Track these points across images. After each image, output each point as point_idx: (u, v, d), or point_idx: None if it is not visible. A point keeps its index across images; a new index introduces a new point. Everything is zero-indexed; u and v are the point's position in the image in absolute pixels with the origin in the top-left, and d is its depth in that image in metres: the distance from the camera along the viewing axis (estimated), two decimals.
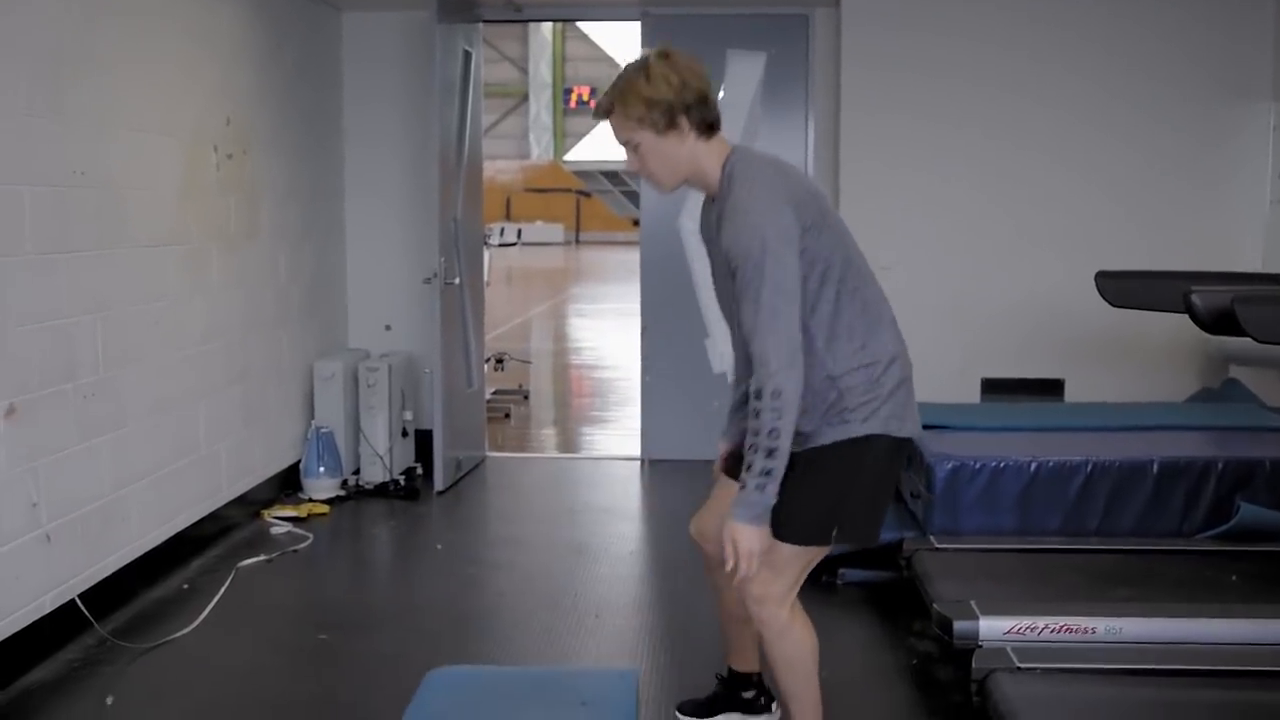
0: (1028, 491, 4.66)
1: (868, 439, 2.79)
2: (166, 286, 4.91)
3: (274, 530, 5.59)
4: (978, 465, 4.67)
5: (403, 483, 6.36)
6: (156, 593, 4.69)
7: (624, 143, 2.78)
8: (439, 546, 5.48)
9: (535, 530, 5.81)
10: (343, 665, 4.01)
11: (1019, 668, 3.36)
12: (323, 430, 6.18)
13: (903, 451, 2.88)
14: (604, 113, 2.77)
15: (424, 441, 6.55)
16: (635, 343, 7.32)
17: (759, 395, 2.60)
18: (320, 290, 6.60)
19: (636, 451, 7.21)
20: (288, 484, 6.16)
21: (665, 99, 2.72)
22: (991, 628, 3.64)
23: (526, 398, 9.61)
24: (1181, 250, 6.16)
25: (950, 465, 4.67)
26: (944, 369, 6.42)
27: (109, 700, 3.70)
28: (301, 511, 5.82)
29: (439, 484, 6.29)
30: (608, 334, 14.77)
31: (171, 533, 4.94)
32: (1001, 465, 4.67)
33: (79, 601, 4.17)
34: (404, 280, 6.83)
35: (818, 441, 2.78)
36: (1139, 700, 3.23)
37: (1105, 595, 3.93)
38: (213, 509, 5.34)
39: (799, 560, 2.86)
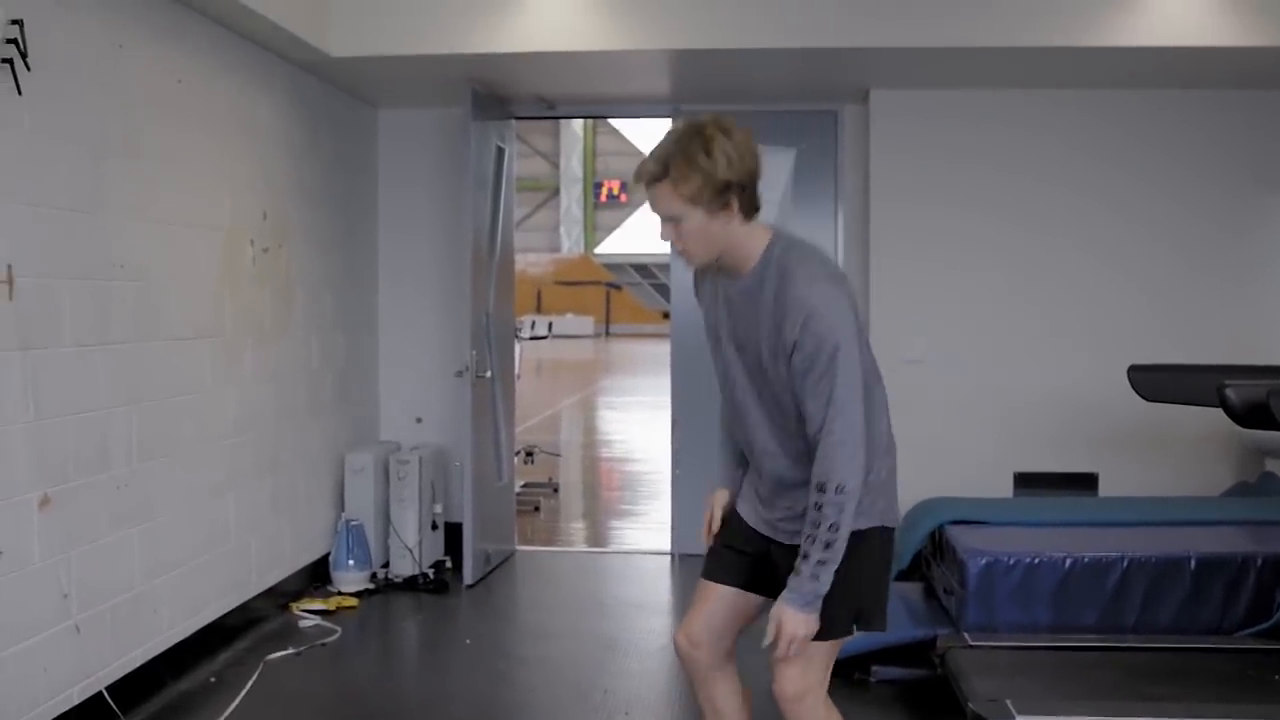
0: (1063, 587, 4.62)
1: (879, 529, 2.82)
2: (200, 378, 4.96)
3: (302, 623, 5.58)
4: (1011, 560, 4.63)
5: (432, 576, 6.34)
6: (184, 685, 4.68)
7: (664, 215, 2.61)
8: (468, 641, 5.45)
9: (565, 624, 5.78)
10: None
11: None
12: (353, 523, 6.19)
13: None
14: (651, 180, 2.58)
15: (454, 534, 6.54)
16: (665, 436, 7.32)
17: (822, 489, 2.60)
18: (352, 381, 6.66)
19: (666, 545, 7.17)
20: (317, 576, 6.15)
21: (724, 178, 2.57)
22: None
23: (556, 491, 9.60)
24: (1214, 343, 6.14)
25: (984, 560, 4.63)
26: (976, 462, 6.40)
27: None
28: (330, 604, 5.81)
29: (468, 577, 6.27)
30: (637, 427, 14.78)
31: (200, 624, 4.94)
32: (1036, 560, 4.63)
33: (106, 694, 4.16)
34: (436, 372, 6.88)
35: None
36: None
37: (1143, 694, 3.87)
38: (241, 600, 5.34)
39: (831, 652, 2.85)
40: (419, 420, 6.97)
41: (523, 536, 7.61)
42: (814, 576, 2.63)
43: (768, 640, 2.70)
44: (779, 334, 2.63)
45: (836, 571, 2.72)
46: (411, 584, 6.28)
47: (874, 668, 4.68)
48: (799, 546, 2.68)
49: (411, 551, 6.33)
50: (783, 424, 2.77)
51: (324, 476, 6.27)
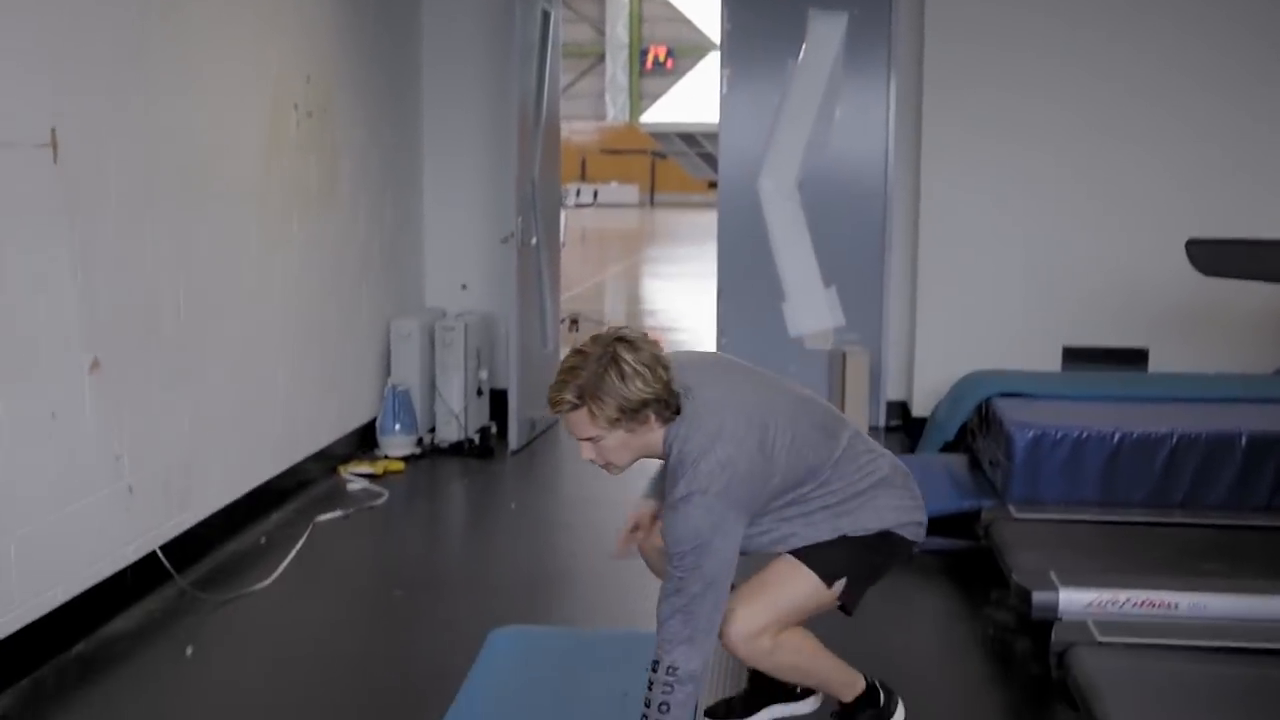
0: (1111, 462, 4.57)
1: (901, 538, 2.94)
2: (247, 245, 4.93)
3: (350, 486, 5.63)
4: (1059, 434, 4.58)
5: (477, 441, 6.37)
6: (235, 546, 4.74)
7: (582, 437, 2.60)
8: (513, 505, 5.49)
9: (609, 490, 5.76)
10: (415, 622, 4.02)
11: (1100, 641, 3.29)
12: (399, 389, 6.20)
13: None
14: (569, 409, 2.55)
15: (499, 401, 6.56)
16: (710, 306, 7.26)
17: (655, 667, 2.57)
18: (398, 249, 6.62)
19: None
20: (364, 441, 6.19)
21: (642, 398, 2.54)
22: (1072, 600, 3.57)
23: None
24: (1266, 225, 5.98)
25: (1031, 434, 4.59)
26: (1025, 336, 6.32)
27: (189, 650, 3.75)
28: (377, 469, 5.85)
29: (513, 443, 6.29)
30: (682, 297, 14.71)
31: (250, 487, 4.99)
32: (1084, 435, 4.57)
33: (160, 553, 4.22)
34: (481, 240, 6.83)
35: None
36: (1223, 677, 3.15)
37: (1190, 570, 3.83)
38: (291, 464, 5.38)
39: (802, 607, 2.82)
40: (464, 287, 6.94)
41: None
42: None
43: None
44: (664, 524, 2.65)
45: (856, 540, 2.77)
46: (457, 449, 6.32)
47: None
48: None
49: (457, 417, 6.35)
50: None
51: (371, 343, 6.27)
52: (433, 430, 6.44)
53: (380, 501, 5.39)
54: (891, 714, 3.01)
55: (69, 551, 3.77)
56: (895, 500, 2.88)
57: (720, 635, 2.68)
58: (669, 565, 2.57)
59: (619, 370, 2.51)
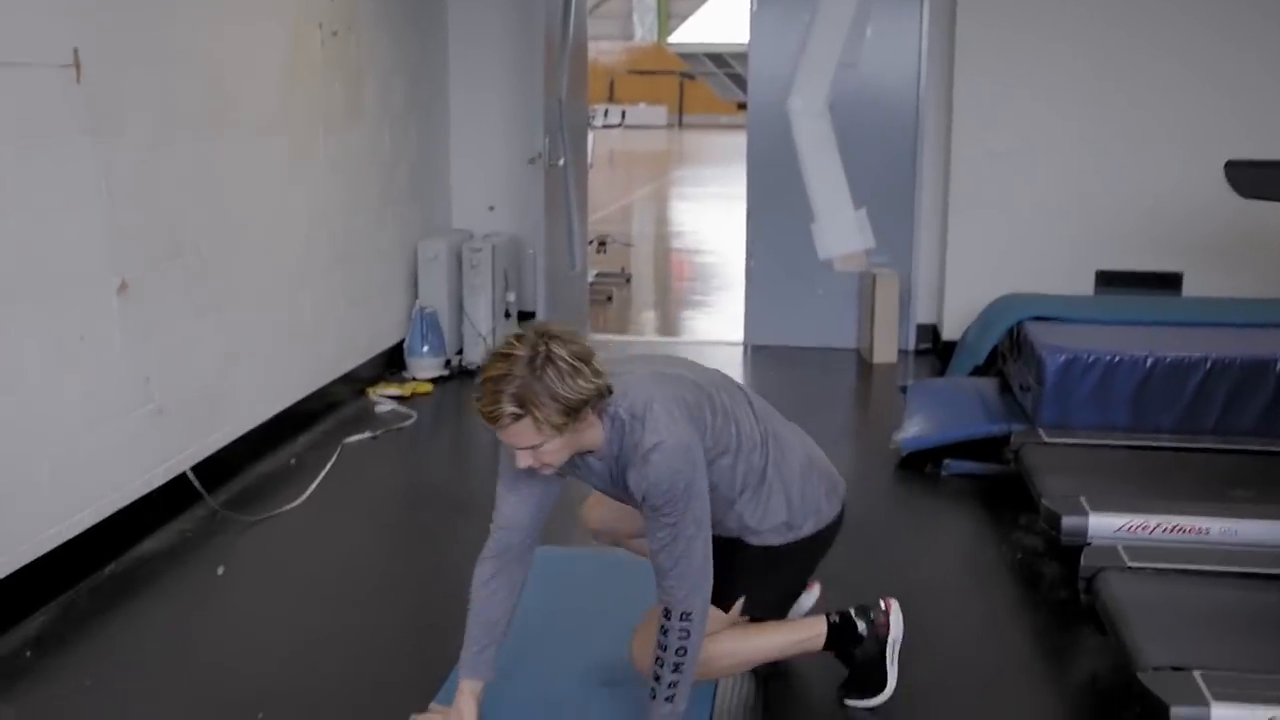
0: (1143, 387, 4.52)
1: (810, 537, 2.87)
2: (272, 168, 4.89)
3: (379, 408, 5.64)
4: (1091, 359, 4.53)
5: None
6: (265, 467, 4.76)
7: (522, 446, 2.40)
8: None
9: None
10: (444, 543, 4.03)
11: (1129, 566, 3.27)
12: (426, 311, 6.18)
13: None
14: (511, 421, 2.34)
15: (526, 322, 6.53)
16: (739, 227, 7.20)
17: (668, 616, 2.55)
18: (424, 171, 6.56)
19: (739, 336, 7.14)
20: (392, 363, 6.19)
21: (583, 396, 2.36)
22: (1101, 525, 3.55)
23: (628, 281, 9.55)
24: None
25: (1062, 358, 4.54)
26: (1057, 259, 6.24)
27: (220, 570, 3.78)
28: (405, 390, 5.86)
29: None
30: (711, 218, 14.61)
31: (279, 409, 5.00)
32: (1116, 359, 4.52)
33: (190, 474, 4.24)
34: (508, 161, 6.77)
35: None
36: (1253, 604, 3.12)
37: (1221, 496, 3.80)
38: (319, 386, 5.39)
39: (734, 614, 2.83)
40: (491, 209, 6.89)
41: (595, 325, 7.60)
42: (669, 699, 2.58)
43: None
44: (628, 487, 2.53)
45: (771, 567, 2.73)
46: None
47: (946, 462, 4.65)
48: None
49: (484, 339, 6.34)
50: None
51: (398, 265, 6.25)
52: (460, 352, 6.43)
53: (408, 423, 5.40)
54: (883, 623, 2.93)
55: (100, 473, 3.79)
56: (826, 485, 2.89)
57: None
58: (655, 520, 2.51)
59: (556, 369, 2.33)
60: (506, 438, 2.38)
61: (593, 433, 2.48)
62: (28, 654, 3.21)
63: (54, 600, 3.51)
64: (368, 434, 5.20)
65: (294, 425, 5.13)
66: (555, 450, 2.42)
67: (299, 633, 3.36)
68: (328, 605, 3.57)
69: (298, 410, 5.17)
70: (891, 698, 2.95)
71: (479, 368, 2.34)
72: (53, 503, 3.56)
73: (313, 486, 4.49)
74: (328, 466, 4.73)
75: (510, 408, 2.32)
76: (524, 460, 2.42)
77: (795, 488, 2.77)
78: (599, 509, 3.10)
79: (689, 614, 2.54)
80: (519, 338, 2.37)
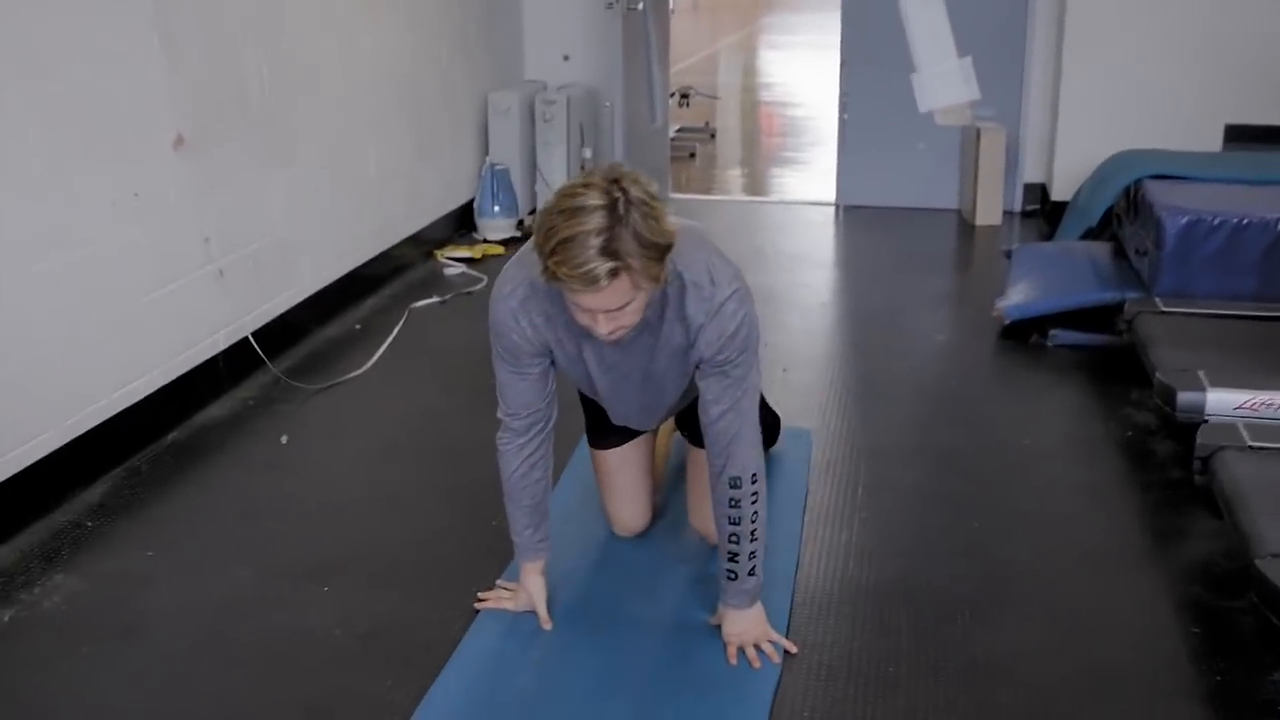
0: (1271, 253, 4.37)
1: None
2: (336, 16, 4.84)
3: (447, 271, 5.65)
4: (1215, 221, 4.38)
5: None
6: (329, 332, 4.80)
7: (609, 308, 2.25)
8: None
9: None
10: None
11: (1250, 446, 3.19)
12: (498, 168, 6.15)
13: None
14: (609, 278, 2.16)
15: (588, 168, 6.48)
16: (832, 78, 7.05)
17: (737, 484, 2.52)
18: (495, 18, 6.47)
19: (831, 196, 7.04)
20: (462, 224, 6.19)
21: (670, 239, 2.24)
22: (1220, 401, 3.47)
23: (713, 136, 9.44)
24: None
25: (1184, 220, 4.40)
26: (1181, 113, 6.04)
27: (284, 439, 3.83)
28: (475, 252, 5.86)
29: None
30: (802, 69, 14.33)
31: (344, 271, 5.03)
32: (1243, 222, 4.37)
33: (252, 339, 4.28)
34: (584, 6, 6.65)
35: None
36: None
37: None
38: (385, 248, 5.41)
39: None
40: (566, 58, 6.79)
41: (676, 184, 7.54)
42: (751, 572, 2.58)
43: (731, 659, 2.58)
44: (703, 340, 2.44)
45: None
46: None
47: (1053, 332, 4.57)
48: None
49: None
50: (657, 400, 2.74)
51: (468, 120, 6.20)
52: (533, 212, 6.40)
53: (478, 287, 5.40)
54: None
55: (159, 337, 3.84)
56: None
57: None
58: (719, 380, 2.49)
59: (640, 212, 2.16)
60: (596, 300, 2.22)
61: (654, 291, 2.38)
62: (89, 524, 3.29)
63: (116, 468, 3.59)
64: (436, 298, 5.22)
65: (360, 289, 5.16)
66: (637, 309, 2.31)
67: (366, 502, 3.41)
68: (395, 473, 3.61)
69: (363, 273, 5.19)
70: (993, 575, 2.95)
71: (542, 226, 2.21)
72: (112, 367, 3.62)
73: (379, 353, 4.53)
74: (394, 332, 4.76)
75: (606, 264, 2.14)
76: (603, 326, 2.30)
77: None
78: (630, 501, 3.08)
79: (756, 475, 2.55)
80: (585, 185, 2.19)
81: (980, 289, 5.32)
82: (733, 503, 2.55)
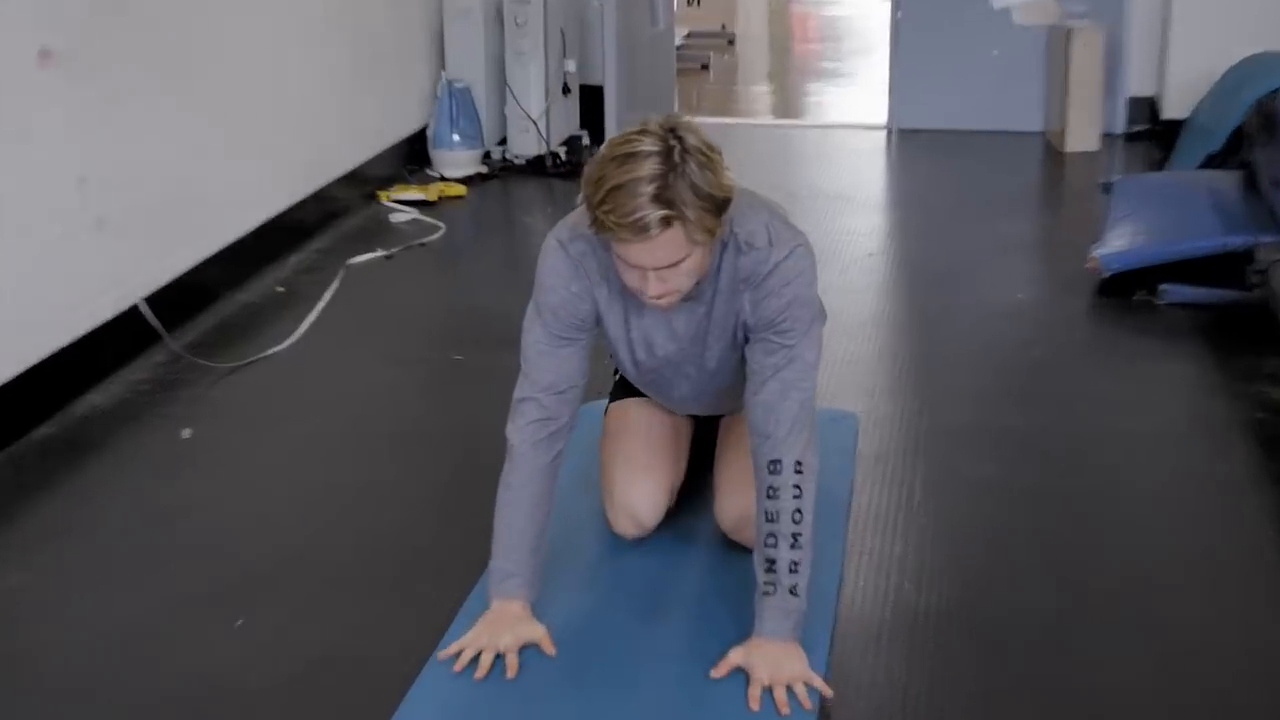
0: None
1: None
2: None
3: (395, 218, 5.65)
4: None
5: (564, 157, 6.35)
6: (244, 297, 4.80)
7: (661, 264, 2.47)
8: None
9: None
10: (478, 391, 4.03)
11: None
12: (457, 85, 6.14)
13: None
14: (660, 227, 2.40)
15: (592, 100, 6.49)
16: None
17: (777, 468, 2.60)
18: None
19: (881, 118, 7.05)
20: (413, 157, 6.20)
21: (729, 193, 2.48)
22: None
23: (732, 43, 9.43)
24: None
25: None
26: None
27: (185, 433, 3.83)
28: (430, 194, 5.86)
29: None
30: None
31: (262, 219, 5.03)
32: None
33: (144, 306, 4.28)
34: None
35: None
36: None
37: None
38: (314, 189, 5.42)
39: None
40: None
41: (685, 103, 7.53)
42: (793, 590, 2.58)
43: (753, 704, 2.54)
44: (769, 306, 2.63)
45: None
46: (537, 167, 6.30)
47: (1163, 287, 4.58)
48: None
49: (536, 124, 6.29)
50: (708, 384, 2.88)
51: (418, 25, 6.20)
52: (503, 142, 6.41)
53: (435, 238, 5.40)
54: None
55: (23, 305, 3.82)
56: None
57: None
58: (770, 348, 2.61)
59: (697, 160, 2.42)
60: (647, 252, 2.44)
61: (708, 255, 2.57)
62: None
63: None
64: (380, 253, 5.22)
65: (282, 241, 5.16)
66: (691, 269, 2.51)
67: (292, 511, 3.41)
68: (330, 474, 3.62)
69: (287, 221, 5.20)
70: (1085, 595, 2.96)
71: (591, 176, 2.42)
72: None
73: (308, 322, 4.53)
74: (328, 295, 4.76)
75: (658, 211, 2.37)
76: (654, 287, 2.49)
77: None
78: (646, 475, 3.07)
79: (802, 465, 2.60)
80: (640, 132, 2.44)
81: (1071, 234, 5.31)
82: (770, 492, 2.60)
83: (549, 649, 2.65)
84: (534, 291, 2.74)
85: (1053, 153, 6.57)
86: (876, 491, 3.42)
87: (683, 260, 2.46)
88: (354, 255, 5.16)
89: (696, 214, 2.40)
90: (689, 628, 2.82)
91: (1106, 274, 4.68)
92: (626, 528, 3.05)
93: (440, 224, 5.52)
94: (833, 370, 4.10)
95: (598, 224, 2.43)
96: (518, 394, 2.72)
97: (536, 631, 2.66)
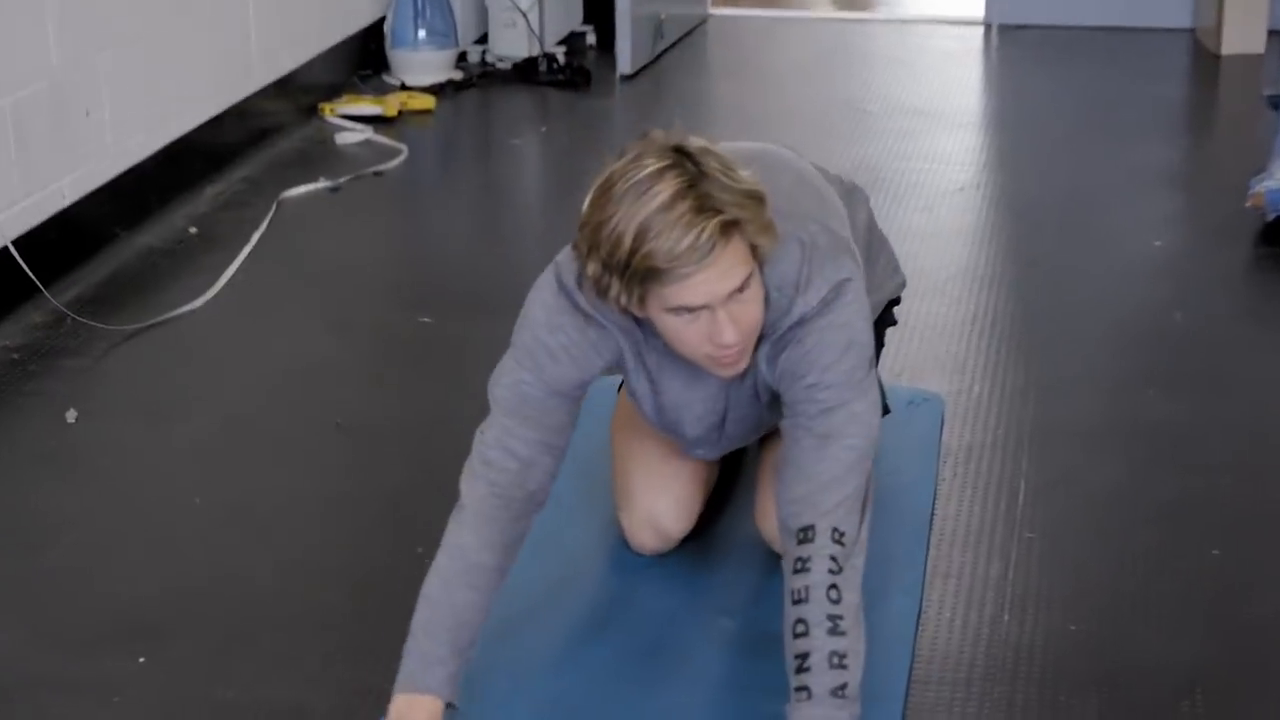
0: None
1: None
2: None
3: (342, 139, 5.66)
4: None
5: (562, 60, 6.34)
6: (145, 240, 4.81)
7: (728, 292, 2.48)
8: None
9: (792, 144, 5.74)
10: (451, 367, 4.05)
11: None
12: None
13: None
14: (721, 237, 2.43)
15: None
16: None
17: (807, 535, 2.56)
18: None
19: (978, 10, 7.05)
20: (365, 61, 6.21)
21: (758, 186, 2.51)
22: None
23: None
24: None
25: None
26: None
27: (70, 416, 3.83)
28: (388, 107, 5.87)
29: (625, 65, 6.31)
30: None
31: (168, 139, 5.03)
32: None
33: (14, 252, 4.28)
34: None
35: None
36: None
37: None
38: (236, 100, 5.42)
39: None
40: None
41: None
42: (836, 691, 2.48)
43: None
44: (763, 402, 2.77)
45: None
46: (526, 73, 6.31)
47: None
48: None
49: (525, 16, 6.28)
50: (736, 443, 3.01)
51: None
52: (483, 41, 6.41)
53: (393, 164, 5.41)
54: None
55: None
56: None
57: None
58: (813, 407, 2.61)
59: (713, 158, 2.46)
60: (714, 279, 2.44)
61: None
62: None
63: None
64: (323, 183, 5.23)
65: (194, 169, 5.17)
66: (759, 302, 2.55)
67: (206, 519, 3.41)
68: (254, 471, 3.62)
69: (200, 143, 5.20)
70: (1241, 637, 2.95)
71: (597, 237, 2.43)
72: None
73: (228, 273, 4.53)
74: (254, 239, 4.76)
75: (711, 219, 2.39)
76: (729, 332, 2.49)
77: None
78: (672, 484, 3.11)
79: (844, 535, 2.56)
80: (632, 161, 2.48)
81: (1225, 162, 5.31)
82: (799, 565, 2.55)
83: None
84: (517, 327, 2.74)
85: (1204, 55, 6.55)
86: (967, 497, 3.43)
87: (749, 282, 2.47)
88: (288, 187, 5.17)
89: (749, 212, 2.44)
90: (721, 701, 2.80)
91: (1272, 216, 4.67)
92: (646, 540, 3.08)
93: (401, 146, 5.52)
94: (912, 340, 4.10)
95: (634, 280, 2.43)
96: (478, 441, 2.69)
97: None
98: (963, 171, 5.58)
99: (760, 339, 2.62)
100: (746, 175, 2.48)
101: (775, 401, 2.75)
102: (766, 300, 2.59)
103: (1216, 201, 4.98)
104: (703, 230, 2.38)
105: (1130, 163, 5.44)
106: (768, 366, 2.65)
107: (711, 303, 2.44)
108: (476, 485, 2.66)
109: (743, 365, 2.61)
